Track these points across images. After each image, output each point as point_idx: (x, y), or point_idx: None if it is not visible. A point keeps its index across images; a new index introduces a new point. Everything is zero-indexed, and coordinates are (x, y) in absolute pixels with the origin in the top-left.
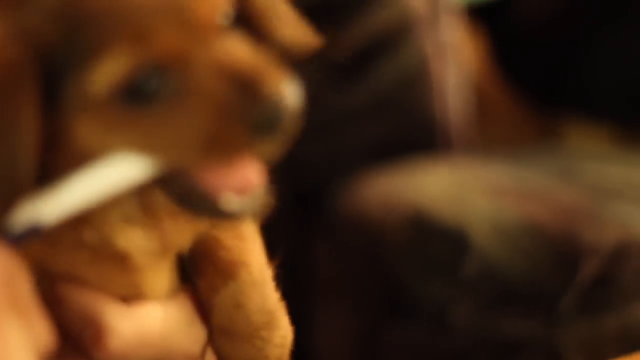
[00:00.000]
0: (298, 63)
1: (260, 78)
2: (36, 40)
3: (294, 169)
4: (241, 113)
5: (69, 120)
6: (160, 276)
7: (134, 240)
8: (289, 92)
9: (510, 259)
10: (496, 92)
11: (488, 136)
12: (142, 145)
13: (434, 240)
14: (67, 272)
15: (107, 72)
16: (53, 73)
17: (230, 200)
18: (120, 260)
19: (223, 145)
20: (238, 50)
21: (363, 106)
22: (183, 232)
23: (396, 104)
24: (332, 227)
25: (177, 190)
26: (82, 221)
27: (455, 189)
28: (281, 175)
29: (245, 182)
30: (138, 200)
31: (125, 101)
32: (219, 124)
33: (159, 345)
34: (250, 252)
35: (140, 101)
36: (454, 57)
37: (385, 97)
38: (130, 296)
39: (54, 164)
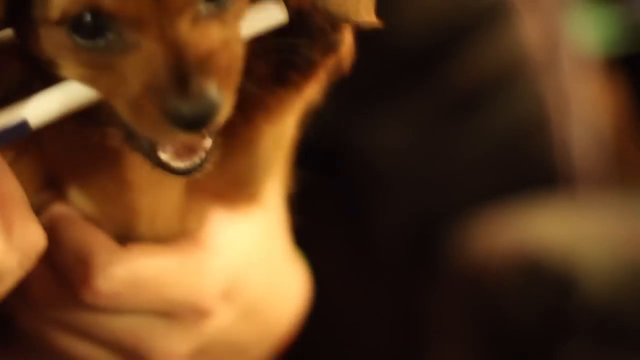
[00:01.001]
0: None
1: (197, 73)
2: None
3: (413, 216)
4: (163, 98)
5: (35, 26)
6: (161, 200)
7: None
8: (215, 97)
9: (622, 305)
10: (635, 143)
11: (625, 186)
12: (86, 78)
13: (546, 287)
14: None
15: (58, 3)
16: None
17: (170, 158)
18: (123, 175)
19: (140, 117)
20: (198, 36)
21: (479, 153)
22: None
23: (512, 150)
24: (448, 273)
25: (124, 127)
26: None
27: (571, 236)
28: (400, 221)
29: (182, 147)
30: None
31: (72, 32)
32: (142, 97)
33: (155, 292)
34: None
35: (85, 38)
36: (579, 105)
37: (500, 144)
38: (127, 227)
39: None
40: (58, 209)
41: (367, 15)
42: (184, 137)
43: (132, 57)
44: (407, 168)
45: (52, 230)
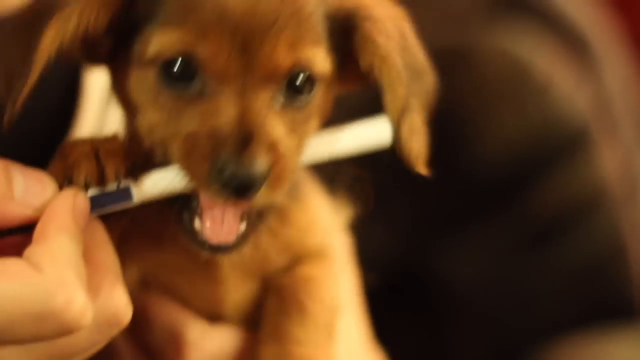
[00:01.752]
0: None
1: (258, 147)
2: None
3: (489, 343)
4: (218, 150)
5: (129, 66)
6: (240, 292)
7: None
8: (261, 173)
9: None
10: None
11: None
12: (159, 123)
13: None
14: (160, 276)
15: (160, 43)
16: (140, 17)
17: (207, 234)
18: (211, 269)
19: (191, 162)
20: (270, 117)
21: (551, 275)
22: (274, 254)
23: (589, 281)
24: None
25: (185, 210)
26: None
27: None
28: (476, 346)
29: (219, 224)
30: None
31: (163, 75)
32: (201, 144)
33: None
34: None
35: (173, 82)
36: None
37: (577, 275)
38: (212, 311)
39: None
40: (150, 293)
41: (422, 168)
42: (220, 199)
43: (206, 105)
44: (484, 294)
45: (144, 311)
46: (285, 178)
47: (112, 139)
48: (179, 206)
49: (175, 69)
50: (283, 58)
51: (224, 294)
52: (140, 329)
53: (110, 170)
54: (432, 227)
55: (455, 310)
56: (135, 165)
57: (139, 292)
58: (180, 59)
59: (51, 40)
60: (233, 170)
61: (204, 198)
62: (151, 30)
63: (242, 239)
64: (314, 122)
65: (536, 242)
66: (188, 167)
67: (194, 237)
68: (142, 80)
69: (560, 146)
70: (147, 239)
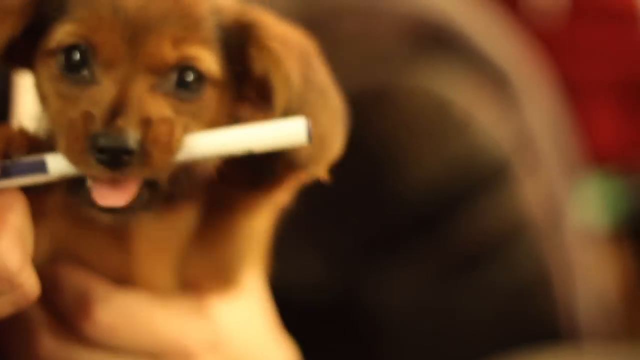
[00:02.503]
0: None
1: (126, 118)
2: None
3: None
4: (90, 125)
5: (38, 59)
6: (156, 269)
7: (143, 224)
8: (131, 141)
9: None
10: None
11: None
12: (58, 111)
13: None
14: (72, 249)
15: (59, 36)
16: (48, 17)
17: (98, 198)
18: (124, 241)
19: (72, 143)
20: (148, 99)
21: (475, 303)
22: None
23: (514, 308)
24: None
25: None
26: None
27: None
28: None
29: (112, 195)
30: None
31: (62, 64)
32: (77, 123)
33: (148, 330)
34: None
35: (70, 71)
36: (583, 270)
37: (502, 302)
38: (121, 280)
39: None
40: (60, 264)
41: (320, 171)
42: (102, 172)
43: (91, 91)
44: (412, 322)
45: (54, 278)
46: (162, 152)
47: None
48: (71, 183)
49: (74, 57)
50: (167, 52)
51: (135, 267)
52: (50, 296)
53: (15, 144)
54: (362, 257)
55: (387, 339)
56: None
57: (50, 263)
58: (78, 48)
59: None
60: (102, 141)
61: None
62: (55, 26)
63: (138, 204)
64: (203, 121)
65: (462, 270)
66: (69, 150)
67: (85, 198)
68: (46, 70)
69: (482, 179)
70: (61, 213)
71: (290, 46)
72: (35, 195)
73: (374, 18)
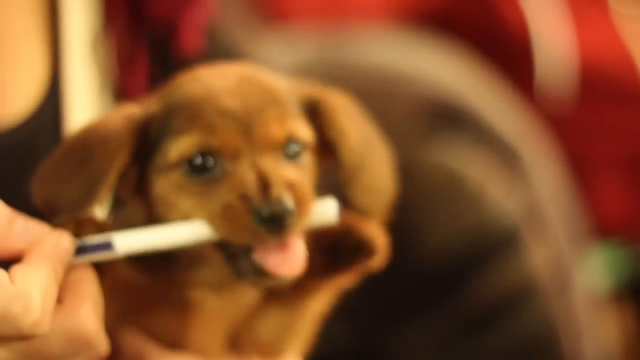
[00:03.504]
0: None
1: (277, 186)
2: (148, 117)
3: None
4: (251, 202)
5: (154, 175)
6: (209, 336)
7: (206, 296)
8: (290, 204)
9: None
10: None
11: None
12: (193, 208)
13: None
14: (134, 316)
15: (180, 149)
16: (154, 140)
17: (280, 273)
18: (184, 310)
19: (233, 224)
20: (279, 169)
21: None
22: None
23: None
24: None
25: (231, 256)
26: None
27: None
28: None
29: (279, 257)
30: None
31: (187, 171)
32: (235, 207)
33: None
34: None
35: (197, 174)
36: (589, 329)
37: (510, 354)
38: (175, 344)
39: (149, 207)
40: (122, 330)
41: (381, 215)
42: (270, 238)
43: (230, 180)
44: None
45: (117, 343)
46: (309, 205)
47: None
48: (228, 259)
49: (197, 163)
50: (276, 131)
51: (190, 334)
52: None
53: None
54: (383, 321)
55: None
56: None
57: (114, 329)
58: (199, 155)
59: (112, 176)
60: (267, 211)
61: (260, 249)
62: (167, 143)
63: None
64: (309, 180)
65: (475, 331)
66: (232, 231)
67: (259, 275)
68: (168, 182)
69: (493, 246)
70: (126, 286)
71: (349, 115)
72: (100, 271)
73: (390, 100)
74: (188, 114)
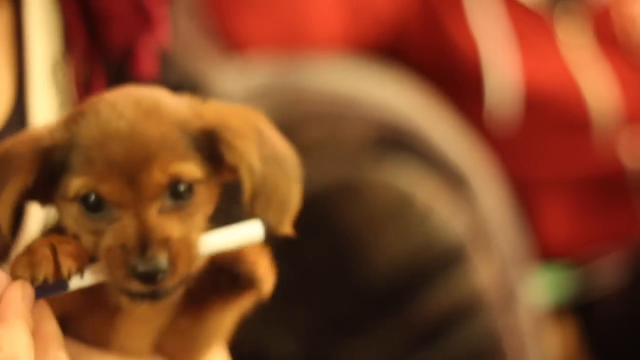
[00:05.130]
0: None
1: (154, 246)
2: (52, 144)
3: None
4: (128, 256)
5: (60, 203)
6: (134, 339)
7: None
8: (163, 265)
9: None
10: None
11: None
12: (90, 243)
13: None
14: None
15: (74, 187)
16: (58, 167)
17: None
18: (112, 314)
19: (113, 268)
20: (161, 223)
21: None
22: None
23: None
24: None
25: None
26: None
27: None
28: None
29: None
30: None
31: (83, 207)
32: (116, 254)
33: None
34: None
35: (91, 212)
36: (533, 343)
37: None
38: (104, 340)
39: None
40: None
41: (286, 228)
42: (140, 287)
43: (115, 226)
44: None
45: None
46: (184, 261)
47: (70, 240)
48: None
49: (90, 202)
50: (159, 178)
51: (117, 336)
52: None
53: (64, 269)
54: (329, 336)
55: None
56: (85, 262)
57: None
58: (92, 195)
59: (8, 198)
60: (141, 269)
61: None
62: (68, 178)
63: (170, 292)
64: (202, 212)
65: (421, 345)
66: (111, 273)
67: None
68: (70, 212)
69: (440, 263)
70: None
71: (248, 137)
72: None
73: (341, 122)
74: (83, 156)
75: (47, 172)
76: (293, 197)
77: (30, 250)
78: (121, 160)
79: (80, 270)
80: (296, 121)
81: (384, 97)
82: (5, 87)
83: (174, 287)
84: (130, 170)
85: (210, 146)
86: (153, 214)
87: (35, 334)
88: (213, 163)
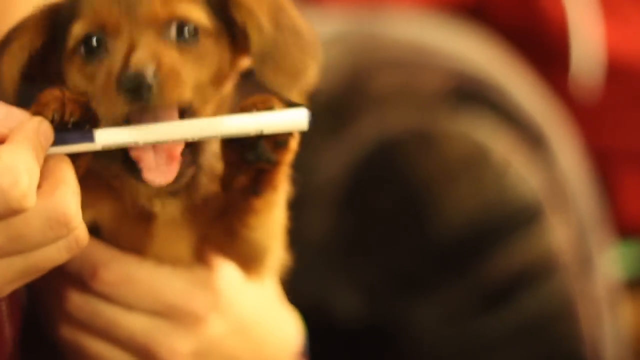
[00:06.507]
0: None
1: (141, 57)
2: (55, 8)
3: None
4: (115, 73)
5: (64, 62)
6: (171, 246)
7: (167, 209)
8: (149, 75)
9: None
10: None
11: None
12: (90, 90)
13: None
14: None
15: (75, 32)
16: (63, 27)
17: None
18: (147, 220)
19: (104, 98)
20: (156, 46)
21: (505, 334)
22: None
23: (538, 336)
24: None
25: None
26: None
27: None
28: None
29: (162, 173)
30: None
31: (84, 54)
32: (105, 82)
33: (148, 291)
34: None
35: (90, 55)
36: (610, 312)
37: (527, 329)
38: (139, 248)
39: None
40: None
41: (295, 96)
42: (132, 108)
43: (109, 57)
44: (441, 356)
45: None
46: (172, 85)
47: (82, 94)
48: (121, 158)
49: (91, 43)
50: (158, 9)
51: (154, 248)
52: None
53: (68, 110)
54: (395, 291)
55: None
56: (93, 116)
57: None
58: (91, 35)
59: (8, 70)
60: (125, 78)
61: (135, 150)
62: (70, 29)
63: (180, 176)
64: (205, 65)
65: (492, 303)
66: (104, 107)
67: (138, 178)
68: (73, 67)
69: (515, 220)
70: (100, 189)
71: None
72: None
73: (417, 70)
74: (86, 2)
75: (53, 36)
76: (308, 70)
77: (39, 96)
78: None
79: (85, 119)
80: (372, 68)
81: (464, 51)
82: None
83: (186, 171)
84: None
85: (222, 11)
86: (149, 40)
87: (46, 176)
88: (225, 27)
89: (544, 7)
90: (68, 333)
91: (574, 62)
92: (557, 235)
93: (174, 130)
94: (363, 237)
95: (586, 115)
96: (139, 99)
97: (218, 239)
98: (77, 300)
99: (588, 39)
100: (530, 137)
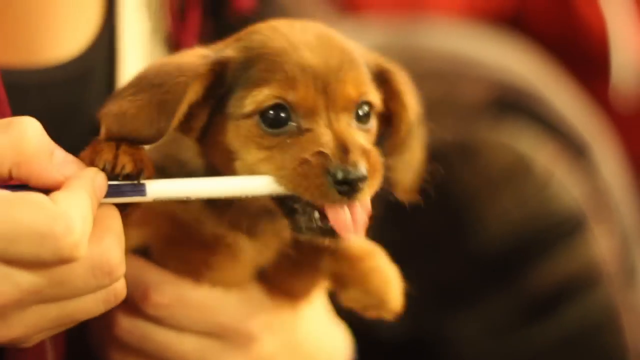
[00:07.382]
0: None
1: (355, 152)
2: (224, 60)
3: None
4: (328, 161)
5: (226, 124)
6: (231, 273)
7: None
8: (364, 171)
9: None
10: None
11: None
12: (260, 160)
13: None
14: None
15: (259, 99)
16: (230, 85)
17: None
18: (227, 249)
19: (306, 180)
20: (353, 133)
21: (549, 346)
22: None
23: (582, 347)
24: None
25: (291, 209)
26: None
27: None
28: None
29: (346, 223)
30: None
31: (260, 123)
32: (311, 163)
33: (201, 313)
34: None
35: (270, 127)
36: None
37: (571, 340)
38: (193, 273)
39: (209, 152)
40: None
41: (408, 196)
42: (340, 200)
43: (306, 137)
44: (487, 357)
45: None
46: (379, 172)
47: (137, 147)
48: (288, 214)
49: (272, 115)
50: (352, 92)
51: (213, 274)
52: None
53: (120, 161)
54: (439, 302)
55: None
56: (142, 170)
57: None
58: (279, 107)
59: (185, 104)
60: (345, 174)
61: (328, 207)
62: (243, 91)
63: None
64: (372, 143)
65: (535, 315)
66: (307, 186)
67: (318, 232)
68: (239, 131)
69: (558, 231)
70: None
71: (412, 93)
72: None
73: (459, 81)
74: (268, 64)
75: (214, 89)
76: (421, 164)
77: (94, 144)
78: (315, 65)
79: (136, 172)
80: (413, 79)
81: (504, 61)
82: (95, 6)
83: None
84: (324, 77)
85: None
86: (345, 125)
87: (95, 220)
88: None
89: (584, 16)
90: (118, 358)
91: (614, 72)
92: (601, 245)
93: (226, 186)
94: (406, 250)
95: (626, 124)
96: (353, 194)
97: (281, 275)
98: (127, 325)
99: (628, 48)
100: (573, 146)
